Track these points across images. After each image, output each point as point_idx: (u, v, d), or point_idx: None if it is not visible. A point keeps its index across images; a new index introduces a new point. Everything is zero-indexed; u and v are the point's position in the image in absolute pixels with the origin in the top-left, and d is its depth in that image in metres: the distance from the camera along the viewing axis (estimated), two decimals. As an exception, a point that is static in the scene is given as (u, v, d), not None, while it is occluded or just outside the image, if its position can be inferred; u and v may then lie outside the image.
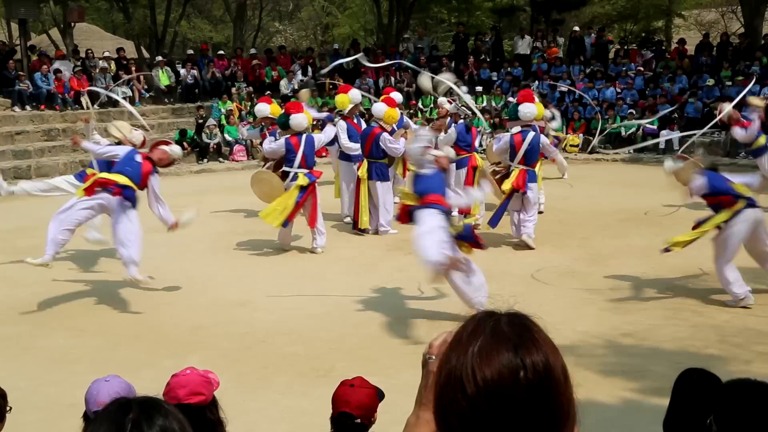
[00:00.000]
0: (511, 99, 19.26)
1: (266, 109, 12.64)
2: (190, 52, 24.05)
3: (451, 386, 1.29)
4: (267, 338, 7.28)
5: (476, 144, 12.29)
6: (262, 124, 12.55)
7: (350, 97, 12.46)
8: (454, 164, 11.92)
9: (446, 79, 11.14)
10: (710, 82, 19.92)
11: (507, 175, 10.62)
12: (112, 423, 1.34)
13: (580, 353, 6.47)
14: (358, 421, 3.33)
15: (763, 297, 8.16)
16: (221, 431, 3.17)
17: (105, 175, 8.26)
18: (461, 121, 11.99)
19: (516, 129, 11.15)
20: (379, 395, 3.45)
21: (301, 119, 10.40)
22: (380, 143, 11.40)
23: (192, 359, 6.43)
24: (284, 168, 10.43)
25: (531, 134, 10.52)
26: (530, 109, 10.53)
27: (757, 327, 7.28)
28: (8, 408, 3.49)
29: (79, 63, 21.29)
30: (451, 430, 1.30)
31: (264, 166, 12.07)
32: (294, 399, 5.90)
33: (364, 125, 12.50)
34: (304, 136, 10.34)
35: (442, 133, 12.42)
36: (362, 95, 14.09)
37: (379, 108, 11.83)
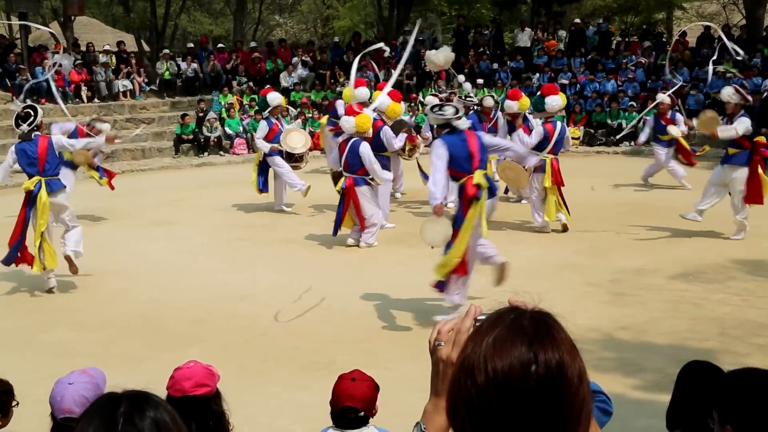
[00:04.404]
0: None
1: (278, 97, 12.82)
2: (191, 45, 24.01)
3: (463, 374, 1.29)
4: (267, 331, 7.29)
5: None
6: (268, 115, 12.66)
7: (357, 95, 12.20)
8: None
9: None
10: (722, 68, 19.84)
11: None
12: (102, 418, 1.33)
13: (579, 346, 6.46)
14: (362, 414, 3.36)
15: (763, 288, 8.16)
16: (225, 422, 3.20)
17: None
18: (471, 111, 11.93)
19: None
20: (376, 386, 3.48)
21: (349, 123, 10.43)
22: (381, 136, 11.34)
23: (192, 352, 6.44)
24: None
25: (559, 124, 10.87)
26: (556, 100, 10.80)
27: (757, 319, 7.28)
28: (15, 403, 3.50)
29: (79, 56, 21.27)
30: (458, 417, 1.30)
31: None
32: (294, 392, 5.92)
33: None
34: (351, 141, 10.34)
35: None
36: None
37: (383, 102, 11.76)
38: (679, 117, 14.06)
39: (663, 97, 14.30)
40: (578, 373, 1.28)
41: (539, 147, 10.81)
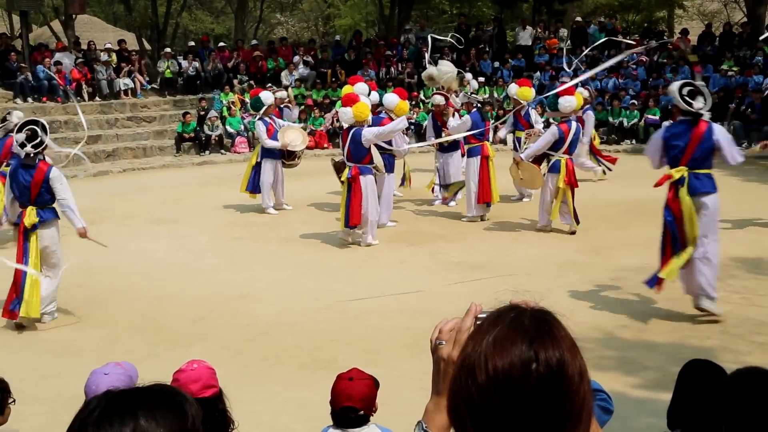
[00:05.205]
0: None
1: (271, 96, 12.78)
2: (192, 43, 24.02)
3: (464, 373, 1.29)
4: (269, 330, 7.29)
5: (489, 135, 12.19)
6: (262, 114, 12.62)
7: (356, 91, 12.12)
8: (466, 153, 11.90)
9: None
10: (726, 65, 19.98)
11: (538, 161, 10.87)
12: (76, 416, 1.31)
13: (579, 345, 6.45)
14: (362, 413, 3.36)
15: (764, 286, 8.15)
16: (229, 420, 3.22)
17: None
18: (474, 110, 11.90)
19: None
20: (375, 384, 3.48)
21: (346, 112, 10.32)
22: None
23: (194, 351, 6.46)
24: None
25: (574, 124, 10.75)
26: (570, 101, 10.66)
27: (758, 317, 7.27)
28: (11, 400, 3.50)
29: (80, 55, 21.28)
30: (459, 416, 1.30)
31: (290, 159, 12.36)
32: (296, 390, 5.92)
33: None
34: (353, 130, 10.20)
35: (451, 119, 12.37)
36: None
37: (391, 99, 11.66)
38: (590, 114, 13.89)
39: (582, 92, 14.34)
40: (579, 371, 1.29)
41: (554, 147, 10.58)
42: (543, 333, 1.29)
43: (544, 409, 1.24)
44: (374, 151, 10.34)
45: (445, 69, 13.86)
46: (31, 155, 7.42)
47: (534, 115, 12.95)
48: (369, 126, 10.38)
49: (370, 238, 10.31)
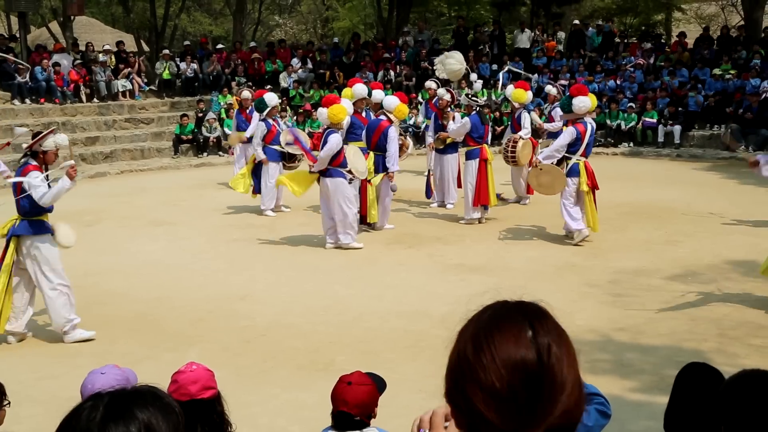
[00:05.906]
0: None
1: (275, 98, 12.81)
2: (187, 43, 23.99)
3: (465, 357, 1.33)
4: (267, 332, 7.29)
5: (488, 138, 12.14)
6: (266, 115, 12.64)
7: (354, 92, 12.03)
8: (464, 155, 11.88)
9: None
10: (720, 69, 20.06)
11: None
12: (70, 422, 1.32)
13: (577, 347, 6.45)
14: (358, 418, 3.34)
15: (761, 289, 8.16)
16: (227, 423, 3.22)
17: None
18: (474, 112, 11.89)
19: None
20: (379, 387, 3.45)
21: (322, 113, 10.32)
22: (389, 136, 11.07)
23: (192, 353, 6.47)
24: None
25: (590, 126, 10.46)
26: (584, 101, 10.17)
27: (755, 320, 7.29)
28: (6, 402, 3.49)
29: (78, 56, 21.27)
30: (466, 400, 1.32)
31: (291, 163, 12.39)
32: (294, 392, 5.92)
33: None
34: (326, 132, 10.21)
35: (451, 122, 12.38)
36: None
37: (391, 101, 11.63)
38: (557, 111, 13.01)
39: (551, 89, 14.15)
40: (570, 342, 1.36)
41: (570, 149, 10.25)
42: (534, 310, 1.37)
43: (549, 378, 1.29)
44: (350, 155, 10.33)
45: (451, 63, 13.87)
46: (22, 154, 7.15)
47: (525, 120, 12.80)
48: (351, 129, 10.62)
49: (350, 239, 10.23)
